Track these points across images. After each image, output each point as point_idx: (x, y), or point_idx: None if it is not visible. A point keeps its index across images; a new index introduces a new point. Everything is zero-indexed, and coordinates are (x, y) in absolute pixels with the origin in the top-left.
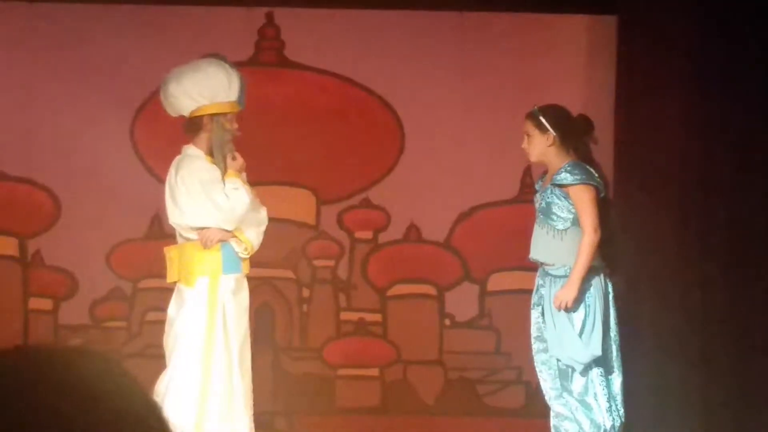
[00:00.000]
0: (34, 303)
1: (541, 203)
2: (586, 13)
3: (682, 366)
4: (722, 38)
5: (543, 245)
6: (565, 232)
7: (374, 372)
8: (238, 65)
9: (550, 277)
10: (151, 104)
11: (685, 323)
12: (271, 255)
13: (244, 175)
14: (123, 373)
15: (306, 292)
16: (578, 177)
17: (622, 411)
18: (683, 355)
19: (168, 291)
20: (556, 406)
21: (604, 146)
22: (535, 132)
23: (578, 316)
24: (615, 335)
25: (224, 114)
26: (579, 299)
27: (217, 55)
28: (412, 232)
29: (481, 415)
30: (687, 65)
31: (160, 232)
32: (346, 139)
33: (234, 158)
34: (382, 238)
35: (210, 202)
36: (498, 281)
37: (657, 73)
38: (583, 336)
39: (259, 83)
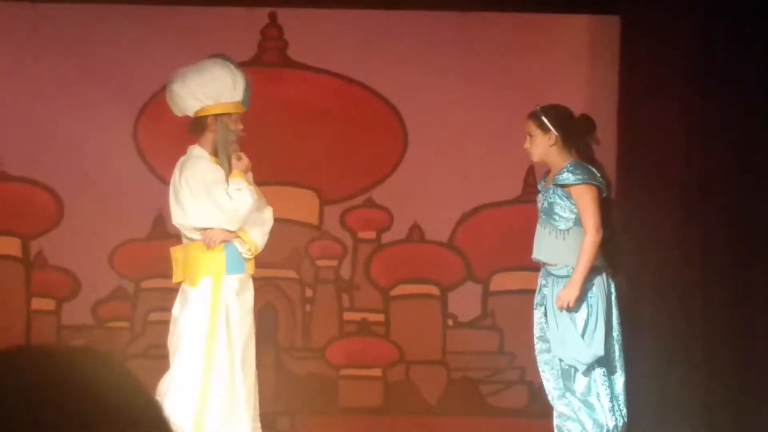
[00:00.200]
0: (37, 303)
1: (543, 203)
2: (588, 13)
3: (684, 366)
4: (724, 38)
5: (545, 245)
6: (567, 232)
7: (377, 372)
8: (240, 65)
9: (552, 277)
10: (154, 104)
11: (687, 323)
12: (274, 255)
13: (250, 175)
14: (125, 373)
15: (309, 292)
16: (580, 177)
17: (624, 411)
18: (685, 354)
19: (170, 291)
20: (558, 406)
21: (606, 146)
22: (537, 132)
23: (581, 316)
24: (617, 335)
25: (229, 114)
26: (581, 299)
27: (222, 56)
28: (415, 233)
29: (483, 415)
30: (689, 65)
31: (163, 233)
32: (348, 139)
33: (239, 158)
34: (385, 238)
35: (213, 202)
36: (501, 281)
37: (659, 73)
38: (586, 336)
39: (262, 83)
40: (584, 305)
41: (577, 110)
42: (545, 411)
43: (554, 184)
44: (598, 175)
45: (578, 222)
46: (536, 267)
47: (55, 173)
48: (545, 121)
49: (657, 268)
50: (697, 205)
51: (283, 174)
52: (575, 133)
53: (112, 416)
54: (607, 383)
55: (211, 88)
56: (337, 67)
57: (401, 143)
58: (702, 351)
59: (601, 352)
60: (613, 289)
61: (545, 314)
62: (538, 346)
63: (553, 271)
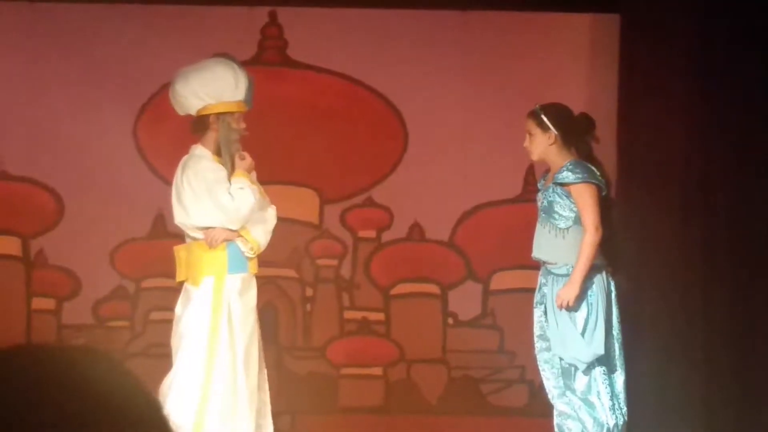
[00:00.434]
0: (37, 303)
1: (543, 202)
2: (588, 12)
3: (684, 365)
4: (724, 37)
5: (545, 244)
6: (567, 231)
7: (377, 371)
8: (241, 64)
9: (552, 276)
10: (154, 103)
11: (687, 322)
12: (274, 254)
13: (253, 174)
14: (125, 372)
15: (309, 292)
16: (580, 176)
17: (625, 409)
18: (685, 353)
19: (171, 290)
20: (559, 404)
21: (606, 145)
22: (536, 131)
23: (581, 314)
24: (618, 333)
25: (231, 113)
26: (581, 298)
27: (226, 55)
28: (416, 231)
29: (484, 414)
30: (689, 64)
31: (164, 232)
32: (349, 138)
33: (243, 158)
34: (386, 237)
35: (214, 202)
36: (501, 280)
37: (659, 71)
38: (586, 335)
39: (262, 82)
40: (584, 304)
41: (577, 109)
42: (546, 410)
43: (554, 183)
44: (598, 173)
45: (578, 221)
46: (536, 266)
47: (56, 172)
48: (545, 119)
49: (657, 267)
50: (697, 204)
51: (283, 173)
52: (575, 132)
53: (112, 415)
54: (607, 382)
55: (213, 87)
56: (337, 66)
57: (401, 142)
58: (702, 350)
59: (601, 350)
60: (613, 288)
61: (545, 313)
62: (538, 344)
63: (552, 270)
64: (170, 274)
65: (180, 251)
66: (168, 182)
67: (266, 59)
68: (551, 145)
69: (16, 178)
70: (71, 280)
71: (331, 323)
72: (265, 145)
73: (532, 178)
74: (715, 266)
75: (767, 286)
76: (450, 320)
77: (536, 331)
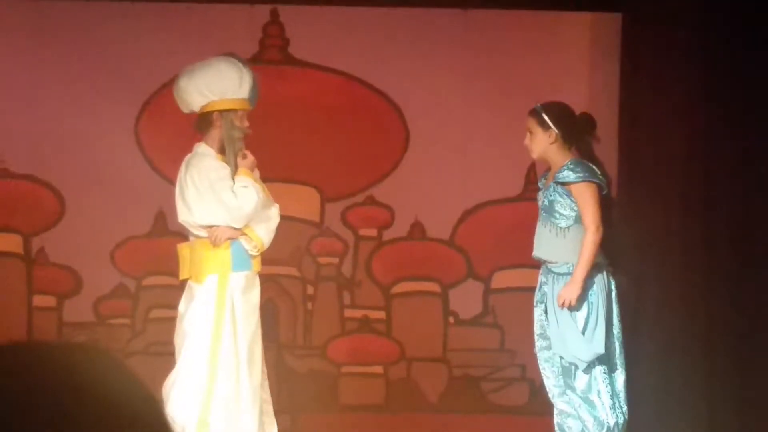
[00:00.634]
0: (38, 300)
1: (543, 201)
2: (590, 11)
3: (684, 363)
4: (726, 36)
5: (546, 243)
6: (567, 230)
7: (378, 369)
8: None
9: (552, 275)
10: (156, 101)
11: (688, 321)
12: (275, 252)
13: (256, 173)
14: (125, 370)
15: (310, 290)
16: (581, 175)
17: (625, 408)
18: (686, 352)
19: (172, 288)
20: (559, 403)
21: (607, 143)
22: (537, 129)
23: (581, 313)
24: (618, 332)
25: (234, 111)
26: (582, 297)
27: (232, 54)
28: (417, 230)
29: (485, 412)
30: (691, 62)
31: (165, 230)
32: (350, 136)
33: (244, 157)
34: (387, 235)
35: (218, 200)
36: (502, 279)
37: (661, 70)
38: (586, 333)
39: (263, 80)
40: (585, 303)
41: (578, 108)
42: (546, 408)
43: (555, 182)
44: (599, 172)
45: (579, 220)
46: (537, 264)
47: (57, 170)
48: (546, 118)
49: (658, 265)
50: (698, 202)
51: (284, 171)
52: (575, 130)
53: (111, 413)
54: (607, 380)
55: (217, 84)
56: (339, 65)
57: (402, 140)
58: (703, 349)
59: (601, 349)
60: (613, 287)
61: (545, 312)
62: (539, 343)
63: (553, 269)
64: (171, 271)
65: (183, 249)
66: (169, 180)
67: (267, 57)
68: (552, 143)
69: (18, 176)
70: (72, 278)
71: (331, 321)
72: (266, 143)
73: (533, 176)
74: (716, 265)
75: None
76: (451, 319)
77: (537, 329)
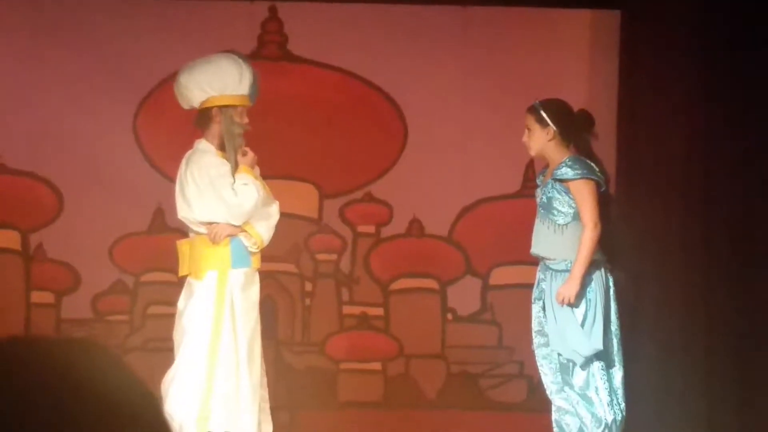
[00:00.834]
0: (36, 297)
1: (542, 198)
2: (589, 8)
3: (683, 360)
4: (726, 33)
5: (544, 240)
6: (565, 227)
7: (377, 366)
8: None
9: (551, 272)
10: (155, 97)
11: (687, 318)
12: (273, 249)
13: (257, 169)
14: (122, 366)
15: (308, 286)
16: (579, 171)
17: (623, 405)
18: (685, 349)
19: (170, 285)
20: (557, 400)
21: (606, 141)
22: (535, 126)
23: (579, 310)
24: (616, 329)
25: (234, 107)
26: (580, 294)
27: (233, 52)
28: (415, 227)
29: (483, 409)
30: (690, 60)
31: (163, 226)
32: (348, 133)
33: (244, 154)
34: (385, 232)
35: (217, 197)
36: (500, 275)
37: (660, 68)
38: (584, 330)
39: (262, 77)
40: (583, 300)
41: (577, 105)
42: (544, 405)
43: (553, 179)
44: (597, 169)
45: (577, 217)
46: (535, 261)
47: (55, 166)
48: (544, 115)
49: (656, 262)
50: (697, 199)
51: (282, 168)
52: (574, 128)
53: (108, 409)
54: (605, 377)
55: (217, 79)
56: (337, 61)
57: (401, 137)
58: (702, 346)
59: (600, 345)
60: (611, 284)
61: (543, 308)
62: (537, 340)
63: (551, 266)
64: (169, 268)
65: (183, 245)
66: (167, 177)
67: (266, 54)
68: (550, 140)
69: (16, 172)
70: (70, 274)
71: (330, 318)
72: (265, 140)
73: (532, 173)
74: (715, 262)
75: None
76: (449, 315)
77: (534, 326)
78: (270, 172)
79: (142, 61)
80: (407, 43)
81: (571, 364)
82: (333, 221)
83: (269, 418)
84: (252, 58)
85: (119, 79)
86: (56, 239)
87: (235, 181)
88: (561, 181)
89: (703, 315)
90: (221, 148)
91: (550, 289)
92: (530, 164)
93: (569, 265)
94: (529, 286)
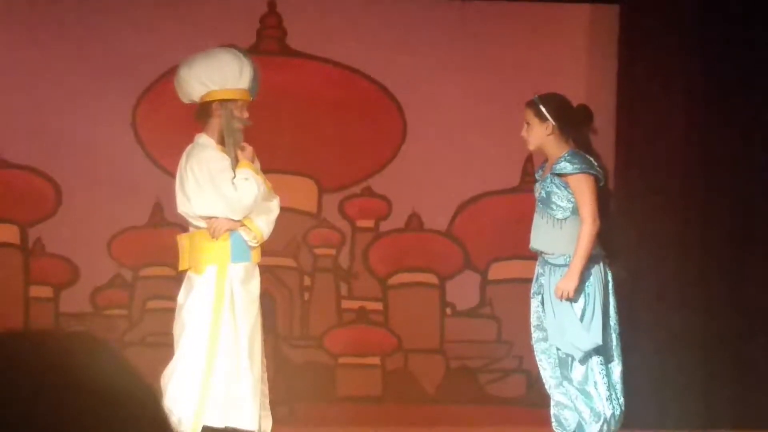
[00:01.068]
0: (35, 291)
1: (540, 192)
2: (588, 2)
3: (681, 355)
4: (725, 27)
5: (543, 234)
6: (564, 222)
7: (375, 360)
8: None
9: (549, 266)
10: (153, 92)
11: (685, 312)
12: (272, 243)
13: (257, 164)
14: (121, 360)
15: (307, 281)
16: (578, 166)
17: (622, 400)
18: (683, 343)
19: (169, 279)
20: (556, 394)
21: (604, 135)
22: (534, 120)
23: (578, 304)
24: (615, 324)
25: (234, 101)
26: (579, 288)
27: (234, 47)
28: (414, 221)
29: (482, 403)
30: (689, 54)
31: (162, 220)
32: (347, 127)
33: (243, 149)
34: (384, 226)
35: (217, 192)
36: (499, 270)
37: (659, 62)
38: (583, 324)
39: (261, 72)
40: (581, 294)
41: (576, 100)
42: (543, 400)
43: (552, 174)
44: (596, 164)
45: (575, 211)
46: (534, 256)
47: (54, 161)
48: (543, 109)
49: (655, 257)
50: (695, 194)
51: (281, 162)
52: (572, 122)
53: (107, 403)
54: (604, 372)
55: (217, 73)
56: (336, 56)
57: (400, 132)
58: (700, 340)
59: (599, 340)
60: (610, 278)
61: (542, 303)
62: (536, 334)
63: (550, 260)
64: (168, 262)
65: (183, 240)
66: (166, 171)
67: (265, 48)
68: (548, 135)
69: (15, 166)
70: (69, 269)
71: (328, 312)
72: (264, 134)
73: (531, 168)
74: (713, 257)
75: (765, 274)
76: (448, 310)
77: (533, 321)
78: (268, 166)
79: (142, 56)
80: (406, 37)
81: (569, 358)
82: (332, 216)
83: (269, 413)
84: (251, 52)
85: (118, 73)
86: (55, 233)
87: (235, 176)
88: (560, 175)
89: (701, 310)
90: (221, 142)
91: (549, 284)
92: (529, 159)
93: (568, 259)
94: (528, 281)
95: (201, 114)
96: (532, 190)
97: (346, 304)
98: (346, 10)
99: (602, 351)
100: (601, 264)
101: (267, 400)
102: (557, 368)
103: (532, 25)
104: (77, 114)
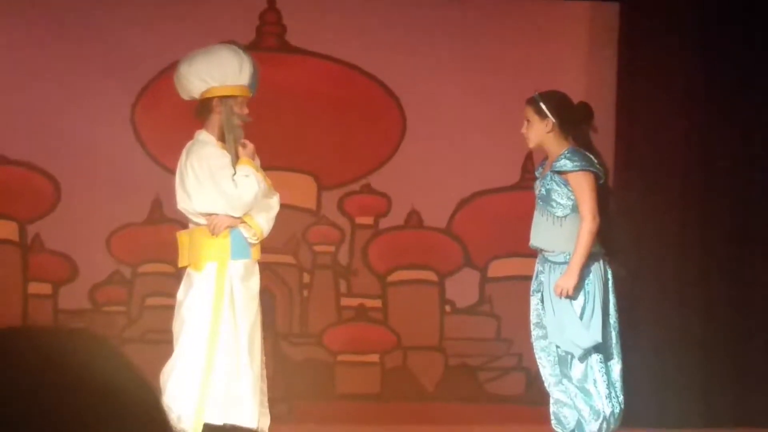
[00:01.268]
0: (34, 287)
1: (540, 190)
2: (588, 0)
3: (681, 353)
4: (725, 25)
5: (543, 232)
6: (564, 219)
7: (374, 358)
8: None
9: (549, 264)
10: (152, 88)
11: (685, 310)
12: (271, 240)
13: (257, 161)
14: (119, 357)
15: (306, 278)
16: (578, 164)
17: (621, 398)
18: (682, 342)
19: (168, 276)
20: (555, 392)
21: (604, 133)
22: (534, 118)
23: (578, 302)
24: (614, 322)
25: (234, 97)
26: (578, 286)
27: (233, 43)
28: (413, 218)
29: (481, 401)
30: (689, 52)
31: (161, 217)
32: (347, 124)
33: (244, 145)
34: (383, 223)
35: (217, 189)
36: (498, 267)
37: (659, 60)
38: (583, 322)
39: (260, 68)
40: (581, 292)
41: (576, 97)
42: (542, 398)
43: (552, 171)
44: (596, 161)
45: (575, 209)
46: (534, 253)
47: (53, 157)
48: (543, 107)
49: (655, 255)
50: (695, 192)
51: (281, 159)
52: (573, 120)
53: (105, 400)
54: (603, 370)
55: (217, 70)
56: (336, 53)
57: (399, 129)
58: (699, 338)
59: (599, 338)
60: (610, 276)
61: (542, 301)
62: (535, 332)
63: (550, 258)
64: (167, 259)
65: (183, 236)
66: (165, 167)
67: (264, 45)
68: (549, 132)
69: (13, 163)
70: (68, 265)
71: (328, 310)
72: (263, 131)
73: (531, 165)
74: (714, 254)
75: (764, 273)
76: (447, 308)
77: (533, 318)
78: (268, 163)
79: (141, 52)
80: (406, 34)
81: (569, 356)
82: (331, 213)
83: (267, 410)
84: (250, 49)
85: (118, 70)
86: (54, 230)
87: (236, 173)
88: (560, 173)
89: (700, 309)
90: (221, 139)
91: (549, 282)
92: (529, 156)
93: (568, 257)
94: (528, 279)
95: (201, 110)
96: (531, 188)
97: (345, 301)
98: (344, 7)
99: (602, 349)
100: (601, 262)
101: (266, 398)
102: (557, 366)
103: (531, 22)
104: (76, 110)
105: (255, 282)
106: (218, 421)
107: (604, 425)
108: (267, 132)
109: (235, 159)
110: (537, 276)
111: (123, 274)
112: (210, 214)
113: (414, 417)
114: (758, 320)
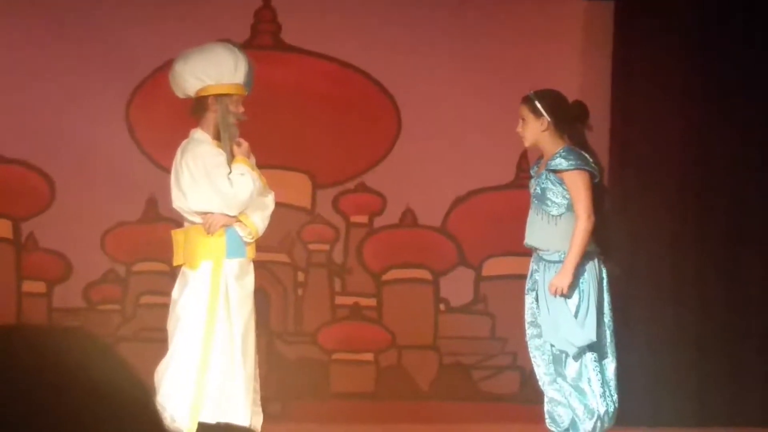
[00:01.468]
0: (28, 286)
1: (535, 189)
2: None
3: (676, 352)
4: (721, 23)
5: (538, 231)
6: (559, 218)
7: (369, 357)
8: None
9: (544, 263)
10: (147, 87)
11: (680, 309)
12: (266, 239)
13: (252, 159)
14: (113, 355)
15: (301, 276)
16: (573, 162)
17: (615, 397)
18: (677, 341)
19: (162, 274)
20: (549, 391)
21: (599, 132)
22: (529, 116)
23: (572, 301)
24: (609, 321)
25: (229, 95)
26: (573, 285)
27: (229, 41)
28: (408, 217)
29: (475, 400)
30: (685, 51)
31: (156, 215)
32: (342, 122)
33: (239, 144)
34: (378, 222)
35: (212, 187)
36: (493, 266)
37: (654, 59)
38: (578, 321)
39: (255, 66)
40: (576, 291)
41: (571, 96)
42: (537, 396)
43: (547, 170)
44: (591, 160)
45: (570, 208)
46: (528, 252)
47: (47, 156)
48: (538, 105)
49: (650, 254)
50: (691, 190)
51: (275, 157)
52: (568, 118)
53: (99, 398)
54: (598, 368)
55: (212, 68)
56: (331, 51)
57: (394, 127)
58: (694, 337)
59: (593, 337)
60: (604, 275)
61: (537, 299)
62: (530, 331)
63: (545, 257)
64: (162, 258)
65: (178, 235)
66: (160, 166)
67: (259, 43)
68: (544, 131)
69: (8, 161)
70: (62, 264)
71: (322, 308)
72: (258, 130)
73: (525, 164)
74: (709, 253)
75: (759, 273)
76: (442, 306)
77: (527, 317)
78: (263, 161)
79: (136, 51)
80: (400, 33)
81: (563, 355)
82: (326, 211)
83: (260, 409)
84: (245, 47)
85: (112, 68)
86: (48, 228)
87: (231, 171)
88: (555, 171)
89: (695, 307)
90: (217, 137)
91: (544, 280)
92: (524, 155)
93: (563, 256)
94: (523, 277)
95: (196, 109)
96: (526, 187)
97: (339, 299)
98: (340, 5)
99: (596, 348)
100: (596, 260)
101: (258, 397)
102: (551, 365)
103: (527, 21)
104: (71, 109)
105: (250, 281)
106: (211, 420)
107: (599, 424)
108: (262, 130)
109: (231, 157)
110: (532, 275)
111: (117, 273)
112: (205, 213)
113: (408, 416)
114: (753, 319)
